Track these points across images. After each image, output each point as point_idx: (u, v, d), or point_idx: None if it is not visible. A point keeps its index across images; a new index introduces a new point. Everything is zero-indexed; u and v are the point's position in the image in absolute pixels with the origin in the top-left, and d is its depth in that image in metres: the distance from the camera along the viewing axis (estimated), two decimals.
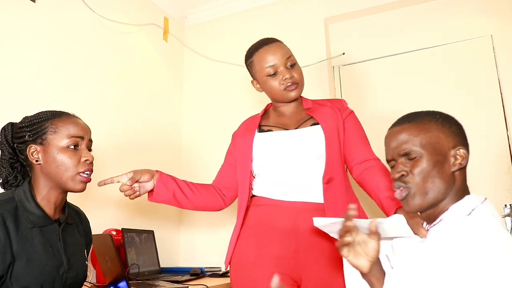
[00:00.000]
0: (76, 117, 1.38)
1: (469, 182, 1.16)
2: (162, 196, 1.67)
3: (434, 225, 1.13)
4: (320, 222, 1.27)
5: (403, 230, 1.15)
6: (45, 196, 1.31)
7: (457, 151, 1.10)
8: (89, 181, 1.35)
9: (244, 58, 1.75)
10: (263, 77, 1.65)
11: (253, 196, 1.67)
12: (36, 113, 1.36)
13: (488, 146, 2.39)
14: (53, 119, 1.32)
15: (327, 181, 1.55)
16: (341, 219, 1.15)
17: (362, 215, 1.64)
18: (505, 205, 2.29)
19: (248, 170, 1.67)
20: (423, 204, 1.11)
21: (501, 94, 2.44)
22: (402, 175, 1.12)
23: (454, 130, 1.13)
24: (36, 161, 1.30)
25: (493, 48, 2.50)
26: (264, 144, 1.65)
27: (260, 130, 1.70)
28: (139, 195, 1.63)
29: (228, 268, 1.65)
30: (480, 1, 2.58)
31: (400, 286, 1.08)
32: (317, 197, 1.55)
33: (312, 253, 1.50)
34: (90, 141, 1.38)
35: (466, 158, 1.11)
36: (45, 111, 1.36)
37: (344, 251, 1.12)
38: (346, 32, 2.91)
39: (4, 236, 1.18)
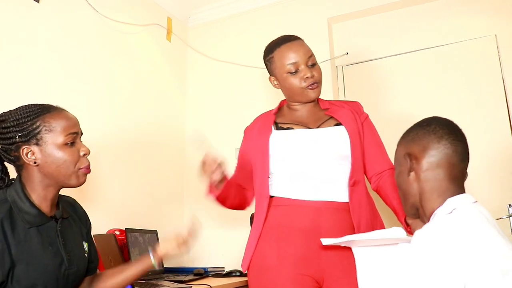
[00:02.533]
0: (64, 109, 1.33)
1: (473, 182, 1.16)
2: (220, 199, 1.68)
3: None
4: (328, 242, 1.32)
5: (403, 239, 1.22)
6: (41, 194, 1.27)
7: (406, 159, 1.18)
8: (89, 172, 1.32)
9: (263, 53, 1.72)
10: (283, 74, 1.62)
11: (272, 196, 1.62)
12: (18, 109, 1.28)
13: (493, 146, 2.38)
14: (43, 116, 1.26)
15: (353, 183, 1.54)
16: (349, 238, 1.27)
17: (378, 218, 1.63)
18: (510, 205, 2.28)
19: (267, 170, 1.63)
20: (407, 210, 1.23)
21: (505, 93, 2.43)
22: None
23: (410, 138, 1.20)
24: (34, 162, 1.24)
25: (497, 47, 2.49)
26: (285, 142, 1.61)
27: (278, 128, 1.66)
28: (213, 175, 1.57)
29: (245, 272, 1.63)
30: (484, 1, 2.57)
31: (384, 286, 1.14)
32: (339, 196, 1.53)
33: (335, 253, 1.47)
34: (82, 133, 1.35)
35: (411, 163, 1.16)
36: (27, 106, 1.29)
37: None
38: (350, 32, 2.91)
39: (1, 241, 1.14)
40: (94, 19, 2.49)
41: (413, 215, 1.22)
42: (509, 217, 2.27)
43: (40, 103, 1.32)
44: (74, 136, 1.29)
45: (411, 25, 2.74)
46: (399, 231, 1.23)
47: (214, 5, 3.22)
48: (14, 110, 1.28)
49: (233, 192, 1.70)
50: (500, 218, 2.24)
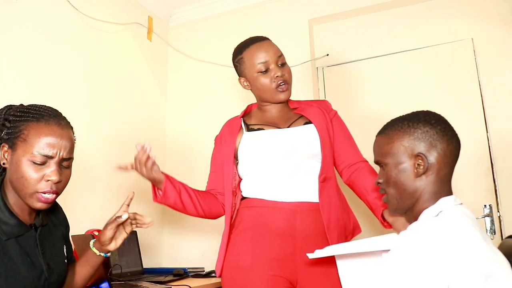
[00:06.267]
0: (59, 124, 1.21)
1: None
2: (169, 195, 1.58)
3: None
4: (314, 256, 1.30)
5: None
6: (15, 203, 1.20)
7: (416, 159, 1.13)
8: (49, 203, 1.19)
9: (232, 55, 1.72)
10: (254, 74, 1.63)
11: (243, 198, 1.63)
12: (26, 106, 1.24)
13: (469, 147, 2.41)
14: (30, 122, 1.17)
15: (323, 180, 1.54)
16: (336, 248, 1.27)
17: (350, 215, 1.64)
18: (485, 206, 2.33)
19: (232, 172, 1.65)
20: (397, 209, 1.18)
21: (481, 96, 2.48)
22: (379, 182, 1.21)
23: (417, 136, 1.14)
24: (3, 163, 1.19)
25: (474, 51, 2.54)
26: (256, 143, 1.62)
27: (249, 129, 1.67)
28: (150, 166, 1.57)
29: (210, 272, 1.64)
30: (462, 5, 2.62)
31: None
32: (313, 196, 1.54)
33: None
34: (67, 159, 1.21)
35: (424, 165, 1.12)
36: (31, 108, 1.22)
37: None
38: (330, 33, 2.93)
39: None
40: (73, 17, 2.45)
41: (400, 214, 1.21)
42: (484, 217, 2.32)
43: (50, 106, 1.26)
44: (44, 159, 1.16)
45: (391, 28, 2.77)
46: (391, 239, 1.20)
47: (195, 4, 3.20)
48: (25, 105, 1.23)
49: (194, 199, 1.63)
50: (476, 219, 2.28)
